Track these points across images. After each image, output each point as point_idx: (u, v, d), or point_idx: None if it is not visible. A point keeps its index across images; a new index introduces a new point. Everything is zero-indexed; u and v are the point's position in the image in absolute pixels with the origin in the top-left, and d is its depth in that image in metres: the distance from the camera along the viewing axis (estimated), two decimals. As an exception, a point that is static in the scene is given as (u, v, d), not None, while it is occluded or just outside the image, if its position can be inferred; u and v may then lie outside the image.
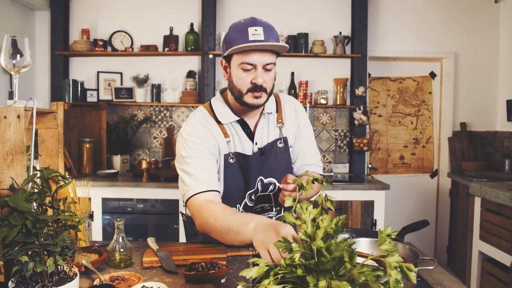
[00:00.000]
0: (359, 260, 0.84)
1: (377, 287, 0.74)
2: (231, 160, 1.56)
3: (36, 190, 1.03)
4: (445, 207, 4.29)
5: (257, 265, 0.79)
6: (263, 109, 1.61)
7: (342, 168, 4.09)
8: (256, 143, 1.59)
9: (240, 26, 1.42)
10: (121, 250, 1.42)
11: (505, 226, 2.85)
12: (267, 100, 1.51)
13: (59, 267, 0.99)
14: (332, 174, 4.06)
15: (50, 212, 1.05)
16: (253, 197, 1.59)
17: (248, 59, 1.41)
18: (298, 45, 3.95)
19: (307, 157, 1.66)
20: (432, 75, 4.37)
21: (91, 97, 3.87)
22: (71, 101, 3.63)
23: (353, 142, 3.96)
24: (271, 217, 1.63)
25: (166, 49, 3.94)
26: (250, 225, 1.20)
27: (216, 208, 1.37)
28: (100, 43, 3.90)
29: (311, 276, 0.76)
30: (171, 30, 3.97)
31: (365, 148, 3.92)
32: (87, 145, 3.63)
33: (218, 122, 1.56)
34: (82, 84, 3.82)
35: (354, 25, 4.00)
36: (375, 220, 3.39)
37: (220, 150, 1.55)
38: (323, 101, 3.98)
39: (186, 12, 4.05)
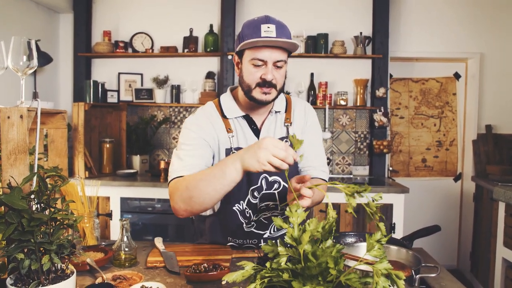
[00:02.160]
0: (352, 264, 0.82)
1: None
2: None
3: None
4: (468, 212, 4.15)
5: (243, 269, 0.78)
6: (271, 107, 1.60)
7: (362, 171, 4.02)
8: None
9: (253, 23, 1.45)
10: (126, 249, 1.44)
11: (530, 233, 2.74)
12: (276, 97, 1.50)
13: (55, 265, 1.00)
14: (351, 176, 3.99)
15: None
16: (256, 194, 1.57)
17: (259, 55, 1.42)
18: (318, 45, 3.91)
19: (310, 158, 1.62)
20: (457, 76, 4.25)
21: (112, 98, 3.94)
22: (91, 102, 3.71)
23: (373, 144, 3.89)
24: (276, 216, 1.61)
25: (186, 50, 3.97)
26: (232, 157, 1.24)
27: (193, 174, 1.38)
28: (121, 44, 3.97)
29: (297, 281, 0.74)
30: (190, 31, 3.99)
31: (385, 150, 3.84)
32: (107, 145, 3.69)
33: (224, 117, 1.57)
34: (103, 85, 3.89)
35: (375, 25, 3.92)
36: (394, 223, 3.32)
37: (220, 144, 1.55)
38: (342, 102, 3.92)
39: (206, 13, 4.07)
